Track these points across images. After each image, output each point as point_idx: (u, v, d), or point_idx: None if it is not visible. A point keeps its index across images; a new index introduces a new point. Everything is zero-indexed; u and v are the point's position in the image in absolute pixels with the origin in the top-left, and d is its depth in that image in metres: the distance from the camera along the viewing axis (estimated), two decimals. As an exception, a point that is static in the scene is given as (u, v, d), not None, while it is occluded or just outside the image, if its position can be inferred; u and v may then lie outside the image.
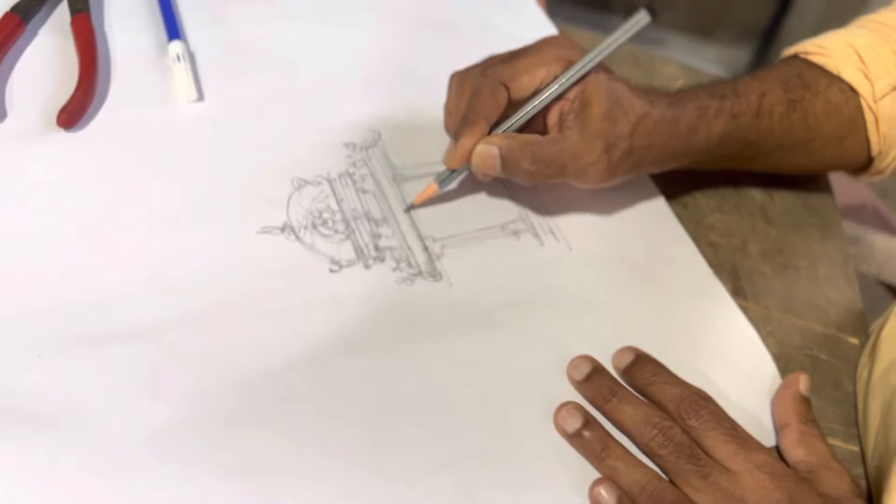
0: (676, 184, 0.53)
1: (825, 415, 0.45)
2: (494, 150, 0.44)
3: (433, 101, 0.53)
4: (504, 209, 0.49)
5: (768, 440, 0.41)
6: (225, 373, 0.37)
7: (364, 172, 0.48)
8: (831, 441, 0.42)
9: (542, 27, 0.63)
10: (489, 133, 0.45)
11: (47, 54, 0.47)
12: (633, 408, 0.39)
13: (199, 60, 0.50)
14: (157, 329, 0.37)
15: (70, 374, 0.35)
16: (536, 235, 0.48)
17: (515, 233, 0.48)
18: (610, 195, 0.51)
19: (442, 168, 0.46)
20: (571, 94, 0.45)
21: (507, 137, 0.44)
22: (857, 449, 0.44)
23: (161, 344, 0.37)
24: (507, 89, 0.45)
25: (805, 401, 0.42)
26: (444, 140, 0.51)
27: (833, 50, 0.51)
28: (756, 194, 0.58)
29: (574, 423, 0.39)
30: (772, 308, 0.50)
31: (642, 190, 0.52)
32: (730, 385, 0.43)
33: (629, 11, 0.47)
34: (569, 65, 0.45)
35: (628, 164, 0.46)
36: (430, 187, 0.46)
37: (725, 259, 0.52)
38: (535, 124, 0.47)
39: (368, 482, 0.35)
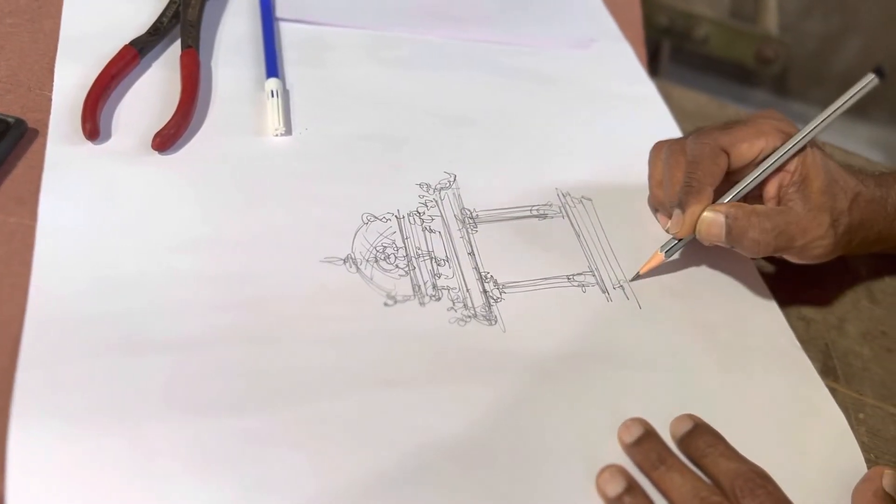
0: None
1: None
2: (721, 219, 0.43)
3: (513, 148, 0.53)
4: (573, 260, 0.47)
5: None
6: (265, 391, 0.37)
7: (434, 213, 0.48)
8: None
9: (641, 85, 0.62)
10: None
11: (155, 84, 0.51)
12: (682, 477, 0.36)
13: (294, 97, 0.53)
14: (211, 342, 0.38)
15: (118, 376, 0.36)
16: (605, 291, 0.46)
17: (582, 286, 0.46)
18: (693, 256, 0.49)
19: (517, 213, 0.46)
20: (791, 167, 0.45)
21: (734, 206, 0.44)
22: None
23: (211, 356, 0.38)
24: (728, 156, 0.45)
25: (888, 499, 0.38)
26: (518, 186, 0.51)
27: None
28: (863, 270, 0.53)
29: (616, 488, 0.36)
30: (867, 394, 0.46)
31: (730, 252, 0.49)
32: (803, 469, 0.39)
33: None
34: (787, 137, 0.45)
35: (845, 242, 0.45)
36: (655, 256, 0.46)
37: (818, 335, 0.48)
38: (751, 196, 0.46)
39: None
